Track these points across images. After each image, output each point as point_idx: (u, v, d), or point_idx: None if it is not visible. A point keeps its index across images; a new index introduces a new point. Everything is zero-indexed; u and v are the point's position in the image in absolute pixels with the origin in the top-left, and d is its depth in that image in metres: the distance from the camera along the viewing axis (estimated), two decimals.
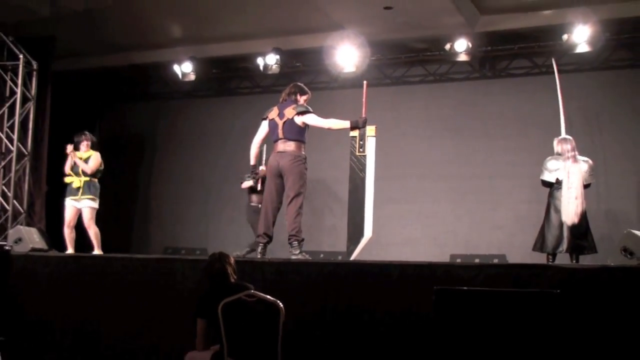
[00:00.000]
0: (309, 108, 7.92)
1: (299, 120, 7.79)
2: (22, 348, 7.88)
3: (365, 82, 8.30)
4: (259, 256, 7.90)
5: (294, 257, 7.73)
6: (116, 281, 7.87)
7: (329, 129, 7.93)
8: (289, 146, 7.78)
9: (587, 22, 10.41)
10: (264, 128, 8.10)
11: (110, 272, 7.98)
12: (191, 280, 7.33)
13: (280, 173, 7.80)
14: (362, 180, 8.20)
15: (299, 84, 8.28)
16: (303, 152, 7.87)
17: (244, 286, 5.86)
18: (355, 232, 8.28)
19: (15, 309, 8.23)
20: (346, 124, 7.93)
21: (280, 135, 7.81)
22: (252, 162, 8.26)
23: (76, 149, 9.70)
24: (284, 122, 7.80)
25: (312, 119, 7.82)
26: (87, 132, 9.91)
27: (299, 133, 7.83)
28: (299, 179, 7.78)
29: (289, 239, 7.84)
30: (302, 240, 7.85)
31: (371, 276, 6.72)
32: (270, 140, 8.04)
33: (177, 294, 7.42)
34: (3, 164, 10.68)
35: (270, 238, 7.95)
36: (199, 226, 13.58)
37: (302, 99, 8.01)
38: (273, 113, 7.95)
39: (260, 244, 7.93)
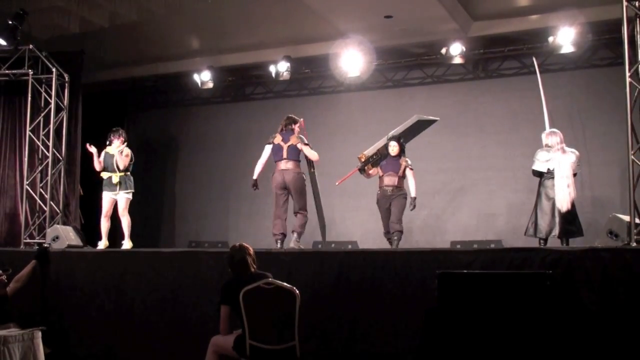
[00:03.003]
0: (305, 140, 8.78)
1: (299, 147, 8.68)
2: (62, 337, 7.91)
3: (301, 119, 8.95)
4: (277, 245, 8.28)
5: (292, 244, 8.49)
6: (146, 273, 7.89)
7: (317, 161, 8.90)
8: (291, 165, 8.61)
9: (571, 25, 10.40)
10: (267, 151, 8.80)
11: (140, 264, 8.00)
12: (215, 270, 7.34)
13: (285, 186, 8.58)
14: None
15: (292, 115, 8.93)
16: (300, 169, 8.72)
17: (263, 275, 5.87)
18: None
19: (55, 300, 8.26)
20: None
21: (284, 156, 8.62)
22: (255, 177, 8.82)
23: (109, 144, 9.70)
24: (288, 147, 8.64)
25: (308, 151, 8.74)
26: (120, 129, 9.87)
27: (298, 155, 8.72)
28: (302, 193, 8.68)
29: (295, 234, 8.60)
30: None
31: (379, 262, 6.72)
32: (272, 160, 8.75)
33: (202, 283, 7.43)
34: (40, 168, 10.70)
35: (285, 235, 8.60)
36: (220, 221, 13.59)
37: (296, 127, 8.79)
38: (277, 139, 8.72)
39: (279, 240, 8.50)
